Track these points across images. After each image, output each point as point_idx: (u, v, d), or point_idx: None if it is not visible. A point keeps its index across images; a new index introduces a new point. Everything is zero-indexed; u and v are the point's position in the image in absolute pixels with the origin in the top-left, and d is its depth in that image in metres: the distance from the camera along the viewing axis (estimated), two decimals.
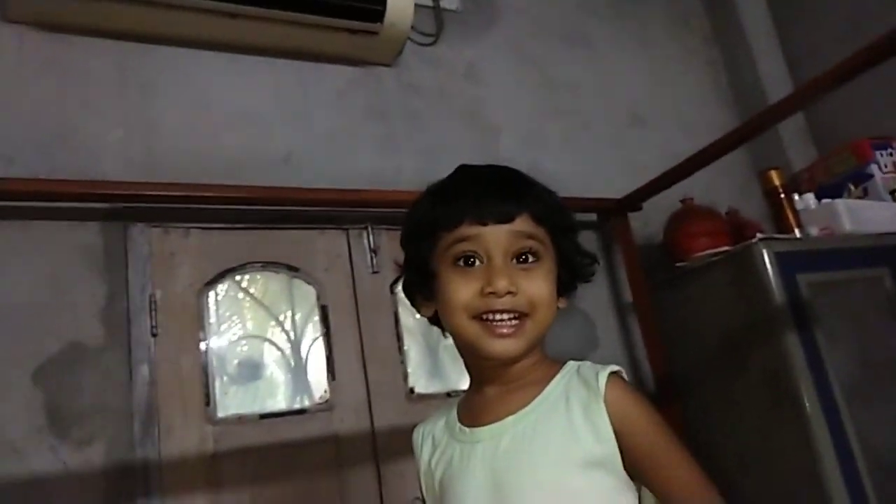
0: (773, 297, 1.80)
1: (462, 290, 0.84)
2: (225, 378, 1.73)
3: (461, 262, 0.85)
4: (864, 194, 2.25)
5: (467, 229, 0.85)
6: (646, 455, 0.80)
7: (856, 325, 1.86)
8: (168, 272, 1.71)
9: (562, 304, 0.90)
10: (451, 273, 0.86)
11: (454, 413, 0.93)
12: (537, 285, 0.84)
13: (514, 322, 0.83)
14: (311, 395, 1.82)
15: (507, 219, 0.84)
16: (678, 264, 2.09)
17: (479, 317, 0.83)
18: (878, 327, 1.89)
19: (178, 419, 1.61)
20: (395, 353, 1.91)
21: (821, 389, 1.73)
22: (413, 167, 2.11)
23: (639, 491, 0.82)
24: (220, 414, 1.67)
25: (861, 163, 2.32)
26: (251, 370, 1.78)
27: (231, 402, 1.71)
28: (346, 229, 1.96)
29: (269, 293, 1.88)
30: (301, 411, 1.77)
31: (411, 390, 1.90)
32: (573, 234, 0.92)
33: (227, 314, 1.80)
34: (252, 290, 1.85)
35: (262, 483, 1.65)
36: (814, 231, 1.99)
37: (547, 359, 0.90)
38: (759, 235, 1.88)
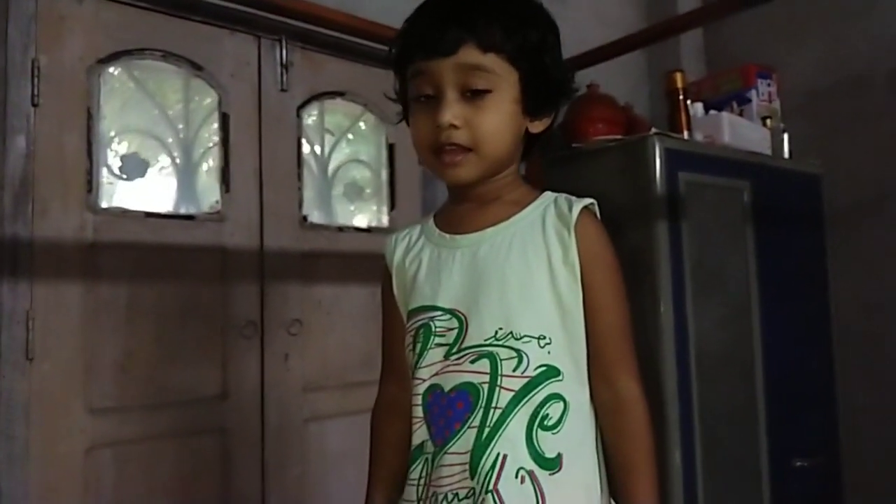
0: (654, 187, 1.96)
1: (420, 126, 0.87)
2: (111, 167, 1.60)
3: (420, 96, 0.87)
4: (741, 115, 2.46)
5: (419, 64, 0.86)
6: (593, 293, 0.87)
7: (714, 226, 2.09)
8: (56, 39, 1.50)
9: (536, 127, 0.91)
10: (413, 108, 0.89)
11: (431, 222, 0.97)
12: (485, 119, 0.84)
13: (458, 153, 0.85)
14: (199, 203, 1.74)
15: (450, 51, 0.83)
16: (574, 145, 2.19)
17: (435, 150, 0.86)
18: (728, 232, 2.14)
19: (56, 201, 1.48)
20: (293, 178, 1.86)
21: (675, 274, 1.95)
22: None
23: None
24: (104, 204, 1.56)
25: (745, 86, 2.51)
26: (138, 165, 1.66)
27: (115, 193, 1.60)
28: (259, 36, 1.82)
29: (166, 86, 1.72)
30: (190, 217, 1.69)
31: (304, 218, 1.88)
32: (539, 51, 0.87)
33: (119, 99, 1.64)
34: (148, 80, 1.69)
35: (141, 282, 1.58)
36: (699, 136, 2.16)
37: (525, 184, 0.94)
38: (653, 130, 2.01)
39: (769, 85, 2.58)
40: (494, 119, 0.85)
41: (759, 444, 2.11)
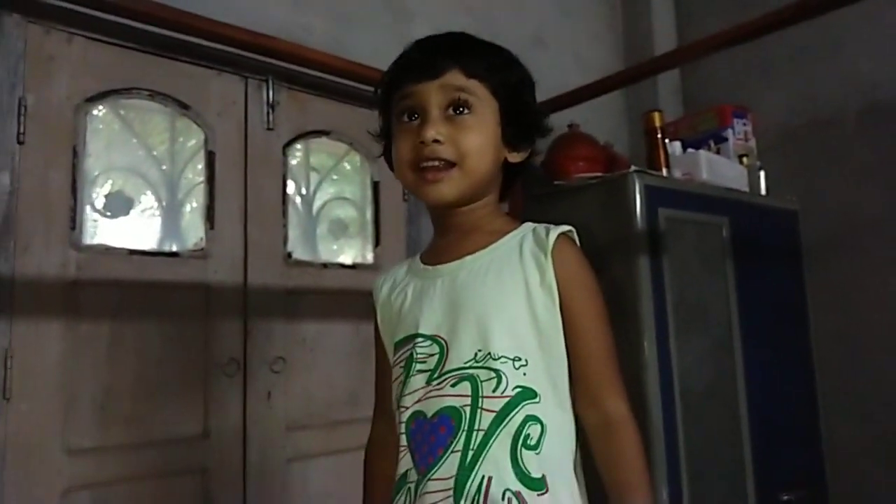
0: (635, 223, 1.99)
1: (404, 144, 0.91)
2: (95, 205, 1.60)
3: (405, 118, 0.91)
4: (718, 154, 2.52)
5: (406, 88, 0.91)
6: (573, 317, 0.87)
7: (694, 261, 2.12)
8: (44, 77, 1.52)
9: (514, 157, 0.94)
10: (397, 130, 0.93)
11: (417, 259, 0.99)
12: (468, 136, 0.88)
13: (440, 169, 0.88)
14: (183, 241, 1.73)
15: (437, 74, 0.88)
16: (556, 182, 2.23)
17: (417, 167, 0.89)
18: (708, 267, 2.17)
19: (38, 237, 1.47)
20: (278, 215, 1.87)
21: (658, 310, 1.96)
22: (323, 29, 2.02)
23: None
24: (87, 241, 1.55)
25: (721, 126, 2.58)
26: (123, 203, 1.66)
27: (99, 231, 1.59)
28: (246, 77, 1.85)
29: (153, 126, 1.74)
30: (174, 254, 1.69)
31: (289, 255, 1.88)
32: (518, 89, 0.94)
33: (106, 138, 1.65)
34: (135, 119, 1.70)
35: (123, 319, 1.57)
36: (677, 174, 2.21)
37: (506, 215, 0.97)
38: (633, 167, 2.06)
39: (745, 124, 2.64)
40: (476, 138, 0.89)
41: (745, 478, 2.10)
